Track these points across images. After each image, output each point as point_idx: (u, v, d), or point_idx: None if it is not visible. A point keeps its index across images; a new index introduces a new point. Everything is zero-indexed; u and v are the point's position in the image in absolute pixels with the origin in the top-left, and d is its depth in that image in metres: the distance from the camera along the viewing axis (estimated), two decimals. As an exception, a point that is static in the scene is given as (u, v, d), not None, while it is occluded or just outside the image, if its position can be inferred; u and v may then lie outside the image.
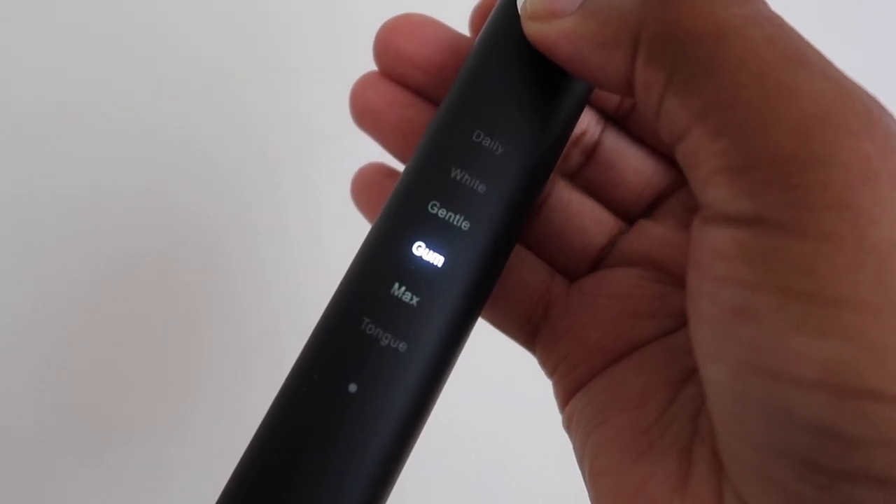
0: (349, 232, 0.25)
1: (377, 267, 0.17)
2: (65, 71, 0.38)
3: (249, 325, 0.39)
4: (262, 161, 0.40)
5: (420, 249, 0.17)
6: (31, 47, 0.38)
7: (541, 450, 0.35)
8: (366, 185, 0.23)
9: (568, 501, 0.29)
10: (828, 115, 0.13)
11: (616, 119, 0.22)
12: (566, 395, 0.20)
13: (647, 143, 0.22)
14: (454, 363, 0.18)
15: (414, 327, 0.17)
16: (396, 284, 0.17)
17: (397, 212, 0.18)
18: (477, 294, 0.18)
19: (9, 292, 0.36)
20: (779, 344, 0.13)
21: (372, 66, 0.22)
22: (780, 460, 0.13)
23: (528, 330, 0.22)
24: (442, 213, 0.17)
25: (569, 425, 0.20)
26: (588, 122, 0.22)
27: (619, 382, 0.19)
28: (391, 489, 0.17)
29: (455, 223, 0.17)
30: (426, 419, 0.17)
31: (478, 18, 0.21)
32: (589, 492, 0.18)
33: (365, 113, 0.22)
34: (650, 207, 0.22)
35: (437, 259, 0.17)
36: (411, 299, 0.17)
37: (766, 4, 0.15)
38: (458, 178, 0.18)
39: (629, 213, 0.22)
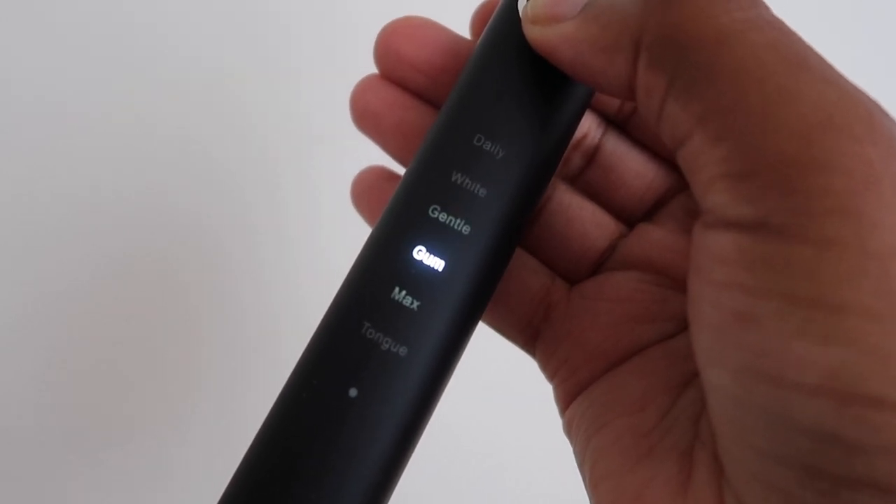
0: (349, 232, 0.25)
1: (377, 271, 0.17)
2: (65, 71, 0.38)
3: (249, 325, 0.39)
4: (262, 161, 0.40)
5: (421, 253, 0.17)
6: (31, 47, 0.38)
7: (541, 452, 0.35)
8: (366, 189, 0.23)
9: None
10: (829, 120, 0.13)
11: (617, 123, 0.22)
12: (566, 399, 0.20)
13: (647, 146, 0.22)
14: (455, 367, 0.18)
15: (414, 332, 0.17)
16: (397, 289, 0.17)
17: (398, 216, 0.18)
18: (477, 298, 0.18)
19: (9, 292, 0.36)
20: (780, 349, 0.13)
21: (372, 66, 0.22)
22: (781, 466, 0.13)
23: (529, 334, 0.21)
24: (442, 217, 0.17)
25: (569, 429, 0.20)
26: (589, 126, 0.22)
27: (619, 386, 0.19)
28: (391, 493, 0.17)
29: (456, 227, 0.17)
30: (426, 424, 0.17)
31: (478, 21, 0.21)
32: (589, 496, 0.18)
33: (365, 115, 0.22)
34: (651, 211, 0.22)
35: (437, 263, 0.17)
36: (412, 303, 0.17)
37: (767, 9, 0.15)
38: (459, 181, 0.18)
39: (630, 217, 0.22)
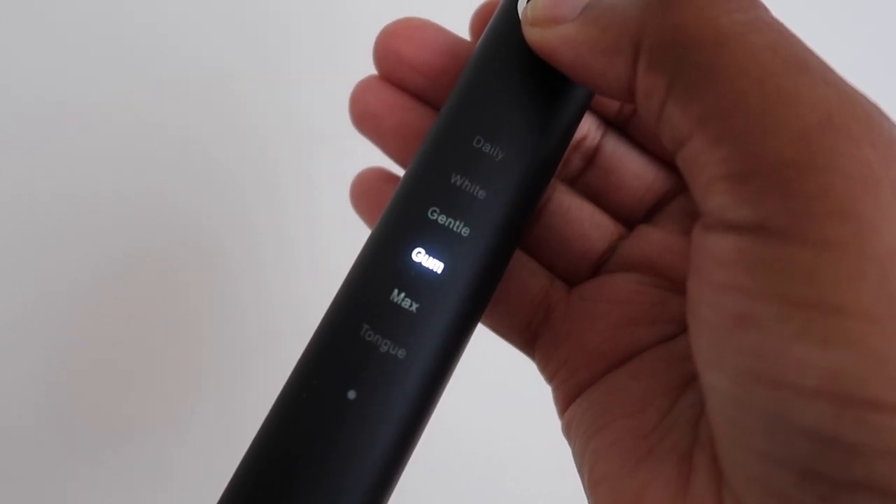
0: (349, 232, 0.25)
1: (376, 273, 0.17)
2: (65, 71, 0.38)
3: (249, 325, 0.39)
4: (262, 161, 0.40)
5: (420, 256, 0.17)
6: (31, 47, 0.38)
7: (541, 452, 0.35)
8: (365, 190, 0.23)
9: (567, 504, 0.29)
10: (829, 122, 0.13)
11: (616, 124, 0.22)
12: (566, 401, 0.20)
13: (647, 148, 0.22)
14: (453, 370, 0.18)
15: (413, 334, 0.17)
16: (396, 291, 0.17)
17: (397, 218, 0.18)
18: (476, 300, 0.18)
19: (9, 292, 0.36)
20: (780, 352, 0.13)
21: (372, 66, 0.22)
22: (780, 468, 0.13)
23: (528, 335, 0.21)
24: (442, 219, 0.17)
25: (568, 431, 0.20)
26: (588, 128, 0.22)
27: (618, 388, 0.19)
28: (390, 494, 0.17)
29: (455, 229, 0.17)
30: (425, 425, 0.17)
31: (478, 23, 0.21)
32: (588, 498, 0.18)
33: (365, 117, 0.22)
34: (650, 213, 0.22)
35: (436, 265, 0.17)
36: (411, 306, 0.17)
37: (767, 11, 0.15)
38: (458, 183, 0.18)
39: (629, 219, 0.22)
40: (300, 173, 0.40)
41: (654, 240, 0.21)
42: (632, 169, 0.22)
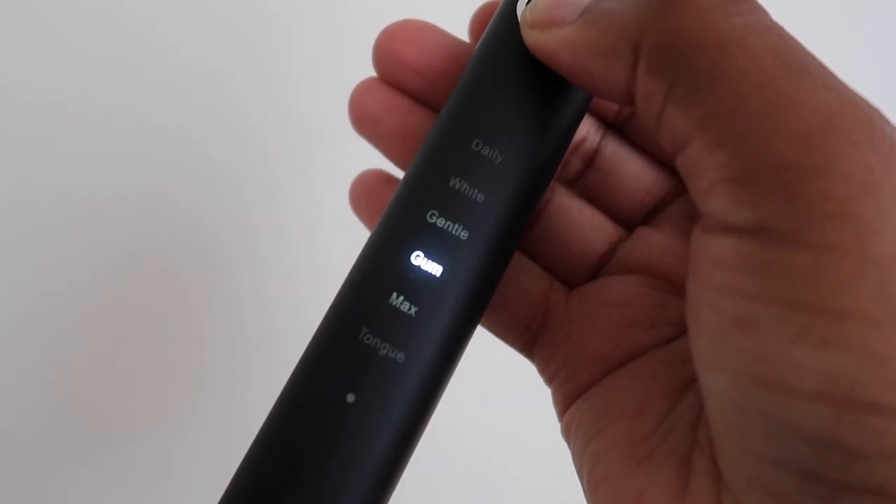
0: (349, 232, 0.25)
1: (375, 276, 0.17)
2: (65, 71, 0.38)
3: (249, 325, 0.39)
4: (262, 161, 0.40)
5: (419, 259, 0.17)
6: (31, 47, 0.38)
7: (540, 453, 0.35)
8: (364, 192, 0.23)
9: (567, 505, 0.29)
10: (829, 125, 0.13)
11: (616, 126, 0.22)
12: (565, 403, 0.20)
13: (646, 150, 0.22)
14: (452, 373, 0.18)
15: (412, 337, 0.17)
16: (395, 294, 0.17)
17: (396, 220, 0.18)
18: (476, 304, 0.18)
19: (9, 292, 0.36)
20: (779, 354, 0.13)
21: (372, 67, 0.22)
22: (780, 471, 0.13)
23: (527, 338, 0.21)
24: (441, 222, 0.17)
25: (567, 433, 0.20)
26: (588, 130, 0.22)
27: (618, 390, 0.19)
28: (390, 496, 0.17)
29: (454, 232, 0.17)
30: (424, 428, 0.17)
31: (477, 25, 0.21)
32: (587, 499, 0.18)
33: (364, 119, 0.22)
34: (650, 215, 0.22)
35: (435, 269, 0.17)
36: (409, 309, 0.17)
37: (767, 14, 0.15)
38: (457, 186, 0.18)
39: (629, 221, 0.22)
40: (300, 173, 0.40)
41: (653, 242, 0.21)
42: (631, 171, 0.22)
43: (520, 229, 0.19)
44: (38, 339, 0.36)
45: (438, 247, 0.17)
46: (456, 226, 0.17)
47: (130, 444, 0.37)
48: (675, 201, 0.21)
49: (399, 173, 0.22)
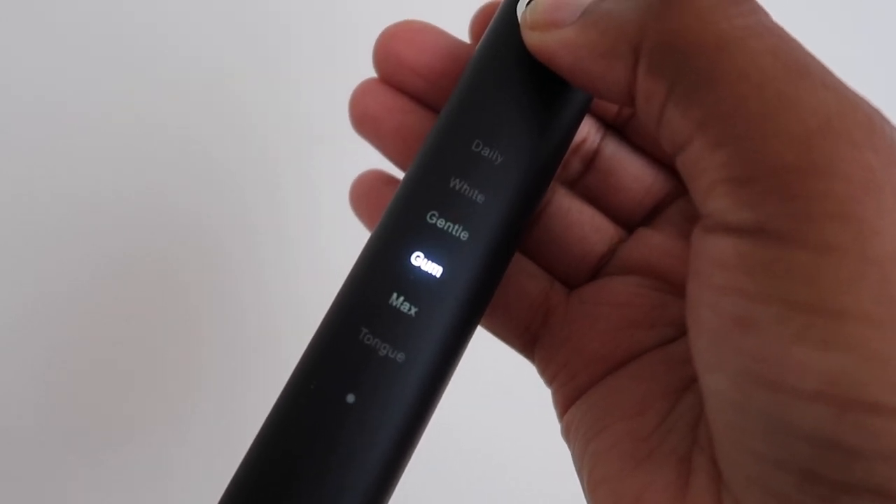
0: (349, 233, 0.25)
1: (375, 277, 0.17)
2: (65, 71, 0.38)
3: (249, 325, 0.39)
4: (262, 161, 0.40)
5: (419, 259, 0.17)
6: (31, 47, 0.38)
7: (541, 453, 0.35)
8: (364, 193, 0.23)
9: (567, 504, 0.29)
10: (829, 126, 0.13)
11: (616, 127, 0.22)
12: (565, 404, 0.20)
13: (646, 151, 0.22)
14: (452, 373, 0.18)
15: (412, 338, 0.17)
16: (395, 295, 0.17)
17: (396, 221, 0.18)
18: (475, 304, 0.18)
19: (9, 292, 0.36)
20: (779, 354, 0.13)
21: (372, 67, 0.22)
22: (779, 470, 0.13)
23: (527, 338, 0.21)
24: (441, 223, 0.17)
25: (567, 433, 0.20)
26: (588, 130, 0.22)
27: (618, 391, 0.19)
28: (390, 496, 0.17)
29: (454, 233, 0.17)
30: (424, 428, 0.17)
31: (478, 26, 0.21)
32: (587, 500, 0.18)
33: (364, 120, 0.22)
34: (650, 216, 0.22)
35: (435, 269, 0.17)
36: (409, 310, 0.17)
37: (767, 15, 0.15)
38: (458, 187, 0.18)
39: (629, 222, 0.22)
40: (300, 173, 0.40)
41: (653, 243, 0.21)
42: (631, 172, 0.22)
43: (520, 230, 0.19)
44: (38, 339, 0.36)
45: (438, 247, 0.17)
46: (456, 226, 0.17)
47: (130, 444, 0.37)
48: (674, 202, 0.22)
49: (399, 174, 0.22)
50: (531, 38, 0.18)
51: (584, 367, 0.20)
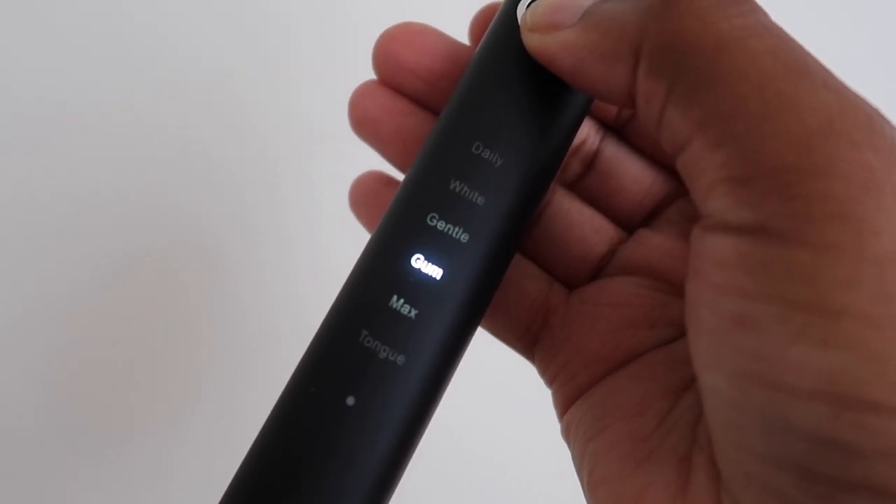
0: (349, 233, 0.25)
1: (375, 279, 0.17)
2: (65, 71, 0.38)
3: (249, 325, 0.39)
4: (262, 161, 0.40)
5: (419, 262, 0.17)
6: (31, 47, 0.38)
7: (541, 453, 0.35)
8: (364, 194, 0.23)
9: (567, 504, 0.29)
10: (829, 127, 0.13)
11: (615, 128, 0.22)
12: (565, 404, 0.20)
13: (646, 152, 0.22)
14: (452, 375, 0.18)
15: (412, 340, 0.17)
16: (395, 297, 0.17)
17: (396, 223, 0.18)
18: (475, 306, 0.18)
19: (9, 292, 0.36)
20: (778, 353, 0.13)
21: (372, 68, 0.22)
22: (778, 469, 0.13)
23: (528, 339, 0.21)
24: (441, 225, 0.17)
25: (567, 433, 0.20)
26: (587, 132, 0.22)
27: (618, 391, 0.19)
28: (390, 498, 0.17)
29: (454, 235, 0.17)
30: (424, 430, 0.17)
31: (478, 28, 0.21)
32: (587, 500, 0.18)
33: (364, 122, 0.22)
34: (650, 216, 0.22)
35: (435, 272, 0.17)
36: (410, 312, 0.17)
37: (766, 15, 0.15)
38: (458, 190, 0.18)
39: (629, 222, 0.22)
40: (300, 173, 0.40)
41: (653, 244, 0.21)
42: (631, 173, 0.22)
43: (520, 232, 0.19)
44: (38, 339, 0.36)
45: (439, 250, 0.17)
46: (456, 229, 0.17)
47: (130, 444, 0.37)
48: (674, 203, 0.22)
49: (399, 176, 0.22)
50: (531, 41, 0.18)
51: (584, 368, 0.20)
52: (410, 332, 0.17)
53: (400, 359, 0.16)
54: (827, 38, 0.23)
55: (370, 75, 0.22)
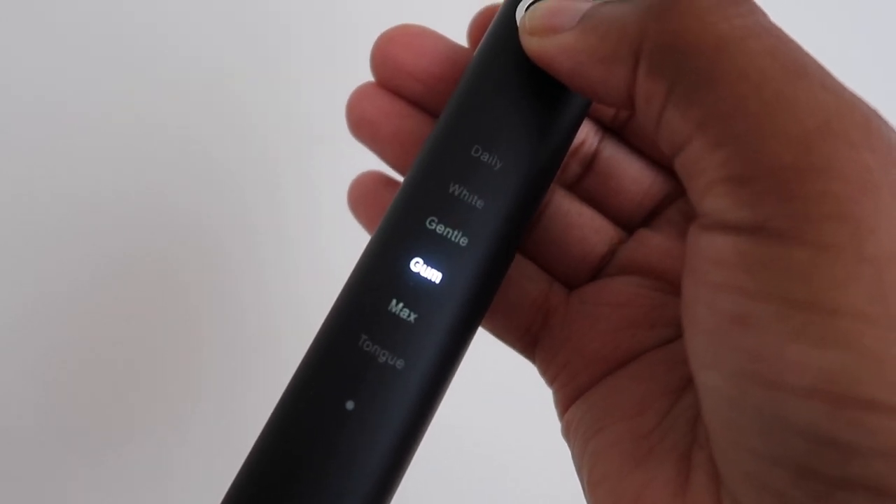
0: (349, 233, 0.25)
1: (375, 283, 0.17)
2: (65, 71, 0.38)
3: (249, 325, 0.39)
4: (262, 161, 0.40)
5: (418, 266, 0.17)
6: (31, 47, 0.38)
7: (541, 453, 0.35)
8: (363, 194, 0.23)
9: (567, 504, 0.29)
10: (827, 126, 0.13)
11: (614, 129, 0.22)
12: (566, 403, 0.20)
13: (644, 153, 0.22)
14: (452, 379, 0.18)
15: (412, 344, 0.17)
16: (394, 301, 0.17)
17: (395, 227, 0.18)
18: (475, 310, 0.18)
19: (9, 292, 0.36)
20: (776, 352, 0.13)
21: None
22: (775, 467, 0.13)
23: (528, 340, 0.22)
24: (440, 228, 0.17)
25: (567, 432, 0.20)
26: (586, 133, 0.22)
27: (618, 390, 0.19)
28: (390, 500, 0.17)
29: (453, 239, 0.17)
30: (424, 434, 0.17)
31: (476, 30, 0.21)
32: (588, 499, 0.18)
33: (361, 124, 0.22)
34: (649, 217, 0.22)
35: (435, 275, 0.17)
36: (409, 316, 0.17)
37: (765, 16, 0.15)
38: (457, 193, 0.17)
39: (629, 223, 0.22)
40: (300, 173, 0.40)
41: (653, 244, 0.21)
42: (630, 174, 0.22)
43: (519, 235, 0.19)
44: (38, 339, 0.36)
45: (438, 253, 0.17)
46: (455, 232, 0.17)
47: (130, 444, 0.37)
48: (673, 203, 0.22)
49: (398, 176, 0.22)
50: (530, 44, 0.18)
51: (584, 367, 0.20)
52: (410, 337, 0.17)
53: (399, 363, 0.16)
54: (825, 39, 0.23)
55: (370, 76, 0.22)
